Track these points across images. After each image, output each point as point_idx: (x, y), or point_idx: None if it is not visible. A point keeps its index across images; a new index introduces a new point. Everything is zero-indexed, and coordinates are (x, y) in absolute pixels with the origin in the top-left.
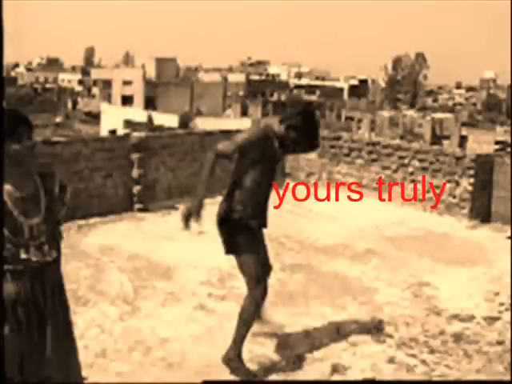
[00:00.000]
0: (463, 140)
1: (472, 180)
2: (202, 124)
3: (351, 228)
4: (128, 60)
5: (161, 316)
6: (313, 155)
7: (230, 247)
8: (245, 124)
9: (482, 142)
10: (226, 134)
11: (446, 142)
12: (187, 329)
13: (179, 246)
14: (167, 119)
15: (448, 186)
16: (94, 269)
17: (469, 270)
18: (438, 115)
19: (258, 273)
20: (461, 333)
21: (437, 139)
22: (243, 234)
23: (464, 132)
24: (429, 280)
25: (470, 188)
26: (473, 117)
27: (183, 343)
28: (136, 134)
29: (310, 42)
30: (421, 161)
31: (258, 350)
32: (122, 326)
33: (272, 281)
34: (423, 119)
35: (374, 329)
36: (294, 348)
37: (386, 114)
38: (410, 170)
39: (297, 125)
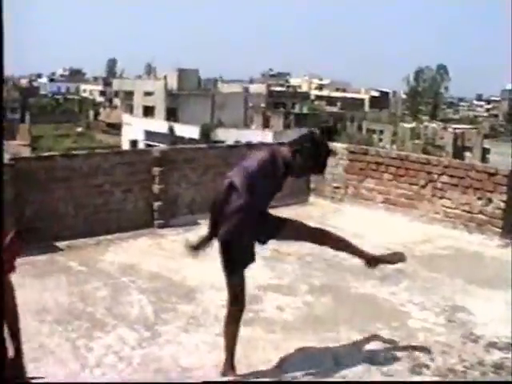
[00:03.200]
0: (485, 152)
1: (505, 197)
2: (224, 135)
3: (378, 246)
4: (150, 71)
5: (182, 342)
6: (339, 169)
7: (223, 264)
8: (267, 136)
9: (504, 154)
10: (250, 146)
11: (467, 154)
12: (210, 356)
13: (201, 265)
14: (188, 130)
15: (479, 202)
16: (112, 289)
17: (504, 292)
18: (460, 127)
19: (240, 294)
20: (501, 363)
21: (459, 151)
22: (233, 253)
23: (486, 144)
24: (463, 303)
25: (502, 205)
26: (494, 129)
27: (206, 372)
28: (157, 148)
29: (331, 54)
30: (450, 176)
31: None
32: (141, 354)
33: (299, 304)
34: (445, 131)
35: (409, 358)
36: (324, 378)
37: (407, 125)
38: (439, 185)
39: (304, 151)
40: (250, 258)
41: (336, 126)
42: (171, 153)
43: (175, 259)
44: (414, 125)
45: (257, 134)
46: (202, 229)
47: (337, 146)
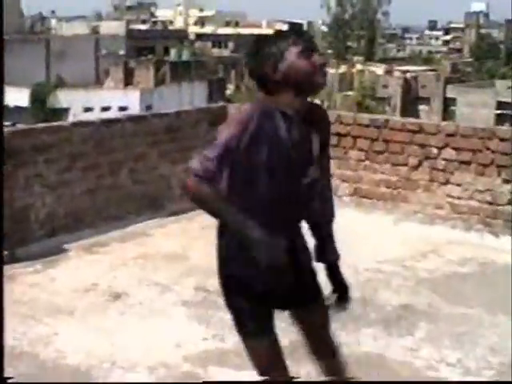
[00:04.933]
0: (448, 103)
1: None
2: (67, 100)
3: (361, 268)
4: None
5: None
6: None
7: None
8: (131, 97)
9: (477, 105)
10: (141, 119)
11: (423, 108)
12: None
13: (89, 328)
14: (12, 94)
15: (506, 187)
16: None
17: None
18: (410, 69)
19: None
20: None
21: (410, 104)
22: (240, 300)
23: (449, 92)
24: None
25: None
26: (458, 69)
27: None
28: None
29: None
30: (457, 150)
31: None
32: None
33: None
34: (389, 76)
35: None
36: None
37: (332, 71)
38: (441, 165)
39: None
40: (264, 301)
41: (227, 77)
42: (13, 139)
43: (36, 320)
44: (342, 70)
45: (116, 96)
46: (72, 260)
47: None
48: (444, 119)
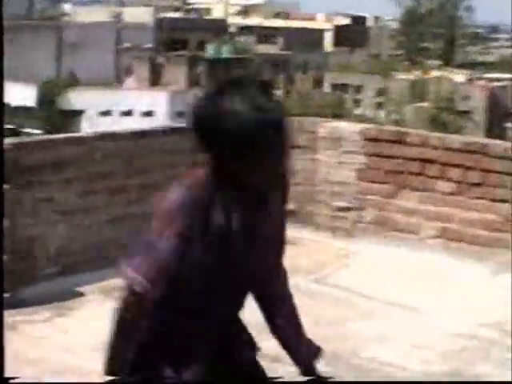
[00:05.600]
0: None
1: None
2: (81, 101)
3: (454, 332)
4: None
5: None
6: (348, 173)
7: None
8: (158, 99)
9: None
10: (185, 131)
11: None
12: None
13: None
14: (17, 93)
15: None
16: None
17: None
18: (497, 76)
19: None
20: None
21: (498, 121)
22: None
23: None
24: None
25: None
26: None
27: None
28: None
29: None
30: None
31: None
32: None
33: None
34: (471, 85)
35: None
36: None
37: (403, 76)
38: None
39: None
40: None
41: (274, 80)
42: (17, 152)
43: None
44: (414, 75)
45: (139, 98)
46: (89, 306)
47: (338, 126)
48: None
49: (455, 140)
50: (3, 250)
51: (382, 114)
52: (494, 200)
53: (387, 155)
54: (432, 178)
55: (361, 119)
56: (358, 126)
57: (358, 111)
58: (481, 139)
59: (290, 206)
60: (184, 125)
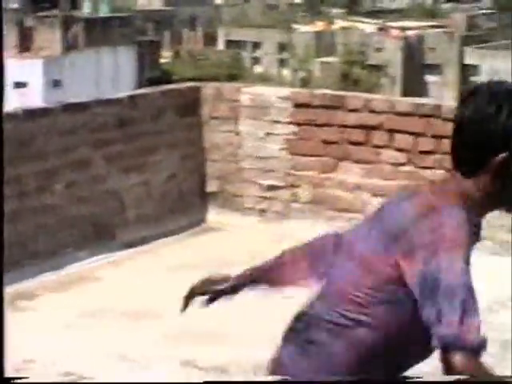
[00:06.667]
0: (468, 71)
1: None
2: None
3: None
4: None
5: None
6: (275, 147)
7: None
8: (30, 69)
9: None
10: (79, 109)
11: (432, 79)
12: None
13: None
14: None
15: None
16: None
17: None
18: (410, 25)
19: None
20: None
21: (415, 74)
22: None
23: (469, 57)
24: None
25: None
26: (475, 25)
27: None
28: None
29: None
30: None
31: None
32: None
33: None
34: (384, 35)
35: None
36: None
37: (305, 28)
38: None
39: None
40: None
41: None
42: None
43: None
44: (317, 27)
45: (9, 67)
46: None
47: (262, 91)
48: None
49: (402, 102)
50: (3, 249)
51: (286, 72)
52: (449, 169)
53: (322, 123)
54: (377, 147)
55: (263, 79)
56: (286, 91)
57: (258, 70)
58: (432, 100)
59: (211, 186)
60: (78, 101)
